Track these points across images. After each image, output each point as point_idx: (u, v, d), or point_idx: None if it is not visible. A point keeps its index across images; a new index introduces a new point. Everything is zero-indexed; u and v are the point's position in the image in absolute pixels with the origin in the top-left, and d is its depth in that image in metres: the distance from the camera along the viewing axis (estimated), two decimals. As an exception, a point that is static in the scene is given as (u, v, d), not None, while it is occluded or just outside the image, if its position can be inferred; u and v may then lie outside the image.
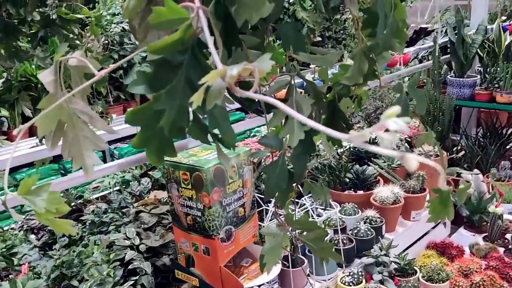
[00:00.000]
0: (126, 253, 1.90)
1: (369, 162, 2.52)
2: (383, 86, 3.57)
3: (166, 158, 1.52)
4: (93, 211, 2.46)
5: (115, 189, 2.97)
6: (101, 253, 2.00)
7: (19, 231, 2.55)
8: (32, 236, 2.51)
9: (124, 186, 2.90)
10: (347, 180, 2.31)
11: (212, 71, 0.48)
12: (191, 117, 0.65)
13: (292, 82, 0.89)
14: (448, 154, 3.21)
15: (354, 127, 3.97)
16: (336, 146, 1.19)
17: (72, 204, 2.75)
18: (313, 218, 1.88)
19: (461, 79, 3.29)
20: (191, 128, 0.69)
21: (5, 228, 2.55)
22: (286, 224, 0.92)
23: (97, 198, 2.86)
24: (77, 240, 2.27)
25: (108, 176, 3.23)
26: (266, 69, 0.48)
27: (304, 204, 2.07)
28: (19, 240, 2.44)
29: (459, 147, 3.40)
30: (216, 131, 0.69)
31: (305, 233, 0.93)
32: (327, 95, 1.10)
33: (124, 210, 2.33)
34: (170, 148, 0.66)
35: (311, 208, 2.06)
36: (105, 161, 4.29)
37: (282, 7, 0.97)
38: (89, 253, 2.01)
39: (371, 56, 0.96)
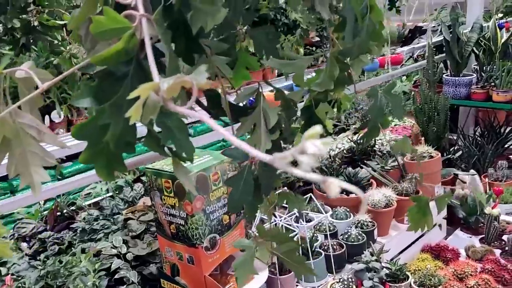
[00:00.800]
0: (112, 262, 1.87)
1: (362, 165, 2.48)
2: (359, 92, 3.55)
3: (148, 165, 1.47)
4: (84, 218, 2.44)
5: (108, 195, 2.95)
6: (90, 261, 1.97)
7: (10, 240, 2.52)
8: (24, 245, 2.49)
9: (117, 192, 2.88)
10: (339, 183, 2.27)
11: (142, 85, 0.45)
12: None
13: (260, 90, 0.85)
14: (445, 154, 3.17)
15: (350, 128, 3.93)
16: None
17: (64, 211, 2.72)
18: (302, 224, 1.85)
19: (457, 78, 3.24)
20: (146, 141, 0.65)
21: (-5, 237, 2.52)
22: (258, 236, 0.89)
23: (89, 205, 2.84)
24: (67, 249, 2.25)
25: (100, 182, 3.21)
26: (201, 82, 0.45)
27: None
28: (9, 248, 2.41)
29: (456, 147, 3.35)
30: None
31: (277, 245, 0.89)
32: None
33: (114, 217, 2.31)
34: (120, 163, 0.62)
35: (301, 213, 2.03)
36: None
37: (253, 13, 0.94)
38: (76, 262, 1.98)
39: (344, 60, 0.93)
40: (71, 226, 2.42)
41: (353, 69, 1.08)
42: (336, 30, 0.88)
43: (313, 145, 0.31)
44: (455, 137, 3.49)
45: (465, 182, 2.86)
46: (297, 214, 2.05)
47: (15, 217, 3.05)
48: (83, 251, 2.10)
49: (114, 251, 1.94)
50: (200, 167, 1.50)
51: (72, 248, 2.20)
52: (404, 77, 4.87)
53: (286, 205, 1.92)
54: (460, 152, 3.21)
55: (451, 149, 3.26)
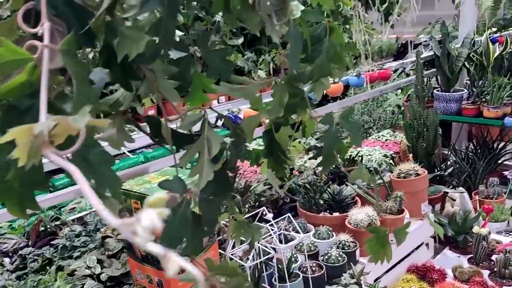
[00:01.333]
0: (85, 283, 1.83)
1: (347, 183, 2.43)
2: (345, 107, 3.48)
3: None
4: (65, 234, 2.40)
5: (93, 209, 2.90)
6: (65, 281, 1.93)
7: (-7, 255, 2.48)
8: (7, 260, 2.45)
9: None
10: (321, 202, 2.23)
11: (16, 128, 0.41)
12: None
13: (206, 117, 0.81)
14: (436, 170, 3.12)
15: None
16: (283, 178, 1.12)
17: (47, 226, 2.68)
18: (280, 245, 1.80)
19: (447, 93, 3.20)
20: (67, 174, 0.61)
21: (-24, 252, 2.48)
22: (206, 270, 0.85)
23: (73, 220, 2.79)
24: (47, 265, 2.21)
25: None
26: (79, 125, 0.41)
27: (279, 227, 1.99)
28: (-10, 264, 2.38)
29: (448, 163, 3.30)
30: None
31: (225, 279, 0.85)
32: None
33: (91, 235, 2.27)
34: (31, 202, 0.59)
35: (282, 232, 1.98)
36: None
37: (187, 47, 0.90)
38: (51, 282, 1.94)
39: (298, 85, 0.89)
40: (51, 242, 2.38)
41: (315, 92, 1.05)
42: (287, 55, 0.84)
43: (148, 218, 0.27)
44: (448, 153, 3.44)
45: (454, 200, 2.80)
46: (283, 232, 2.01)
47: (-1, 231, 3.01)
48: (60, 269, 2.06)
49: (88, 272, 1.90)
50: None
51: (53, 265, 2.16)
52: (399, 91, 4.84)
53: (271, 220, 1.88)
54: (452, 169, 3.16)
55: (442, 165, 3.21)
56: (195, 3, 0.95)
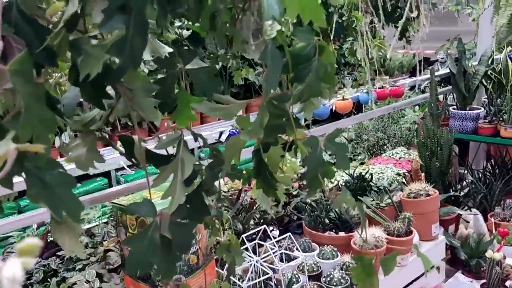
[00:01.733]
0: (82, 298, 1.81)
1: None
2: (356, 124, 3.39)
3: (114, 200, 1.39)
4: (72, 245, 2.40)
5: (103, 221, 2.91)
6: (65, 294, 1.92)
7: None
8: (14, 269, 2.45)
9: (111, 218, 2.83)
10: (327, 220, 2.18)
11: None
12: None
13: (182, 137, 0.79)
14: (451, 190, 3.03)
15: (356, 160, 3.82)
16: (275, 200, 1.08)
17: (55, 237, 2.68)
18: (281, 264, 1.75)
19: (463, 111, 3.12)
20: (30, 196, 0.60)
21: (-16, 261, 2.51)
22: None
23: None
24: (52, 276, 2.21)
25: (93, 208, 3.18)
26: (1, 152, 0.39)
27: (279, 246, 1.95)
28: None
29: (463, 183, 3.21)
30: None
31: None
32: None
33: (94, 248, 2.26)
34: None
35: (283, 252, 1.94)
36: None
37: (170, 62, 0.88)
38: (49, 295, 1.94)
39: (281, 106, 0.86)
40: (57, 253, 2.38)
41: (305, 111, 1.02)
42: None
43: (11, 268, 0.24)
44: (464, 172, 3.35)
45: (468, 222, 2.71)
46: (284, 252, 1.96)
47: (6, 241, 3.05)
48: (63, 280, 2.06)
49: (87, 286, 1.88)
50: (164, 205, 1.44)
51: (57, 277, 2.16)
52: (417, 107, 4.75)
53: (276, 237, 1.84)
54: (467, 189, 3.06)
55: (458, 185, 3.12)
56: (179, 23, 0.94)
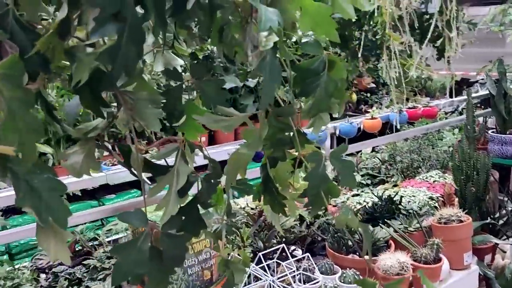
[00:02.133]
0: (100, 307, 1.83)
1: (382, 224, 2.30)
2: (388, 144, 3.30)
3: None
4: (98, 255, 2.44)
5: (129, 232, 2.94)
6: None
7: (29, 270, 2.58)
8: (43, 276, 2.53)
9: (136, 229, 2.86)
10: (350, 243, 2.11)
11: None
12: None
13: (180, 148, 0.79)
14: (489, 218, 2.88)
15: (388, 181, 3.72)
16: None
17: (84, 246, 2.74)
18: (298, 286, 1.71)
19: (503, 135, 2.99)
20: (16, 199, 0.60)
21: (16, 267, 2.60)
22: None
23: (109, 241, 2.84)
24: (77, 285, 2.25)
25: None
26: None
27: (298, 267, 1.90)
28: (25, 279, 2.47)
29: (503, 211, 3.05)
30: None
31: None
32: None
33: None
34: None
35: (302, 273, 1.89)
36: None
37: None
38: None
39: (284, 120, 0.85)
40: (83, 262, 2.43)
41: (314, 127, 1.00)
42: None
43: None
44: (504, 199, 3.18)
45: (505, 252, 2.56)
46: (303, 272, 1.91)
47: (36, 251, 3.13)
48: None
49: (105, 295, 1.90)
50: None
51: (81, 285, 2.20)
52: (457, 130, 4.60)
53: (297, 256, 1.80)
54: (506, 217, 2.91)
55: (496, 213, 2.96)
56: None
